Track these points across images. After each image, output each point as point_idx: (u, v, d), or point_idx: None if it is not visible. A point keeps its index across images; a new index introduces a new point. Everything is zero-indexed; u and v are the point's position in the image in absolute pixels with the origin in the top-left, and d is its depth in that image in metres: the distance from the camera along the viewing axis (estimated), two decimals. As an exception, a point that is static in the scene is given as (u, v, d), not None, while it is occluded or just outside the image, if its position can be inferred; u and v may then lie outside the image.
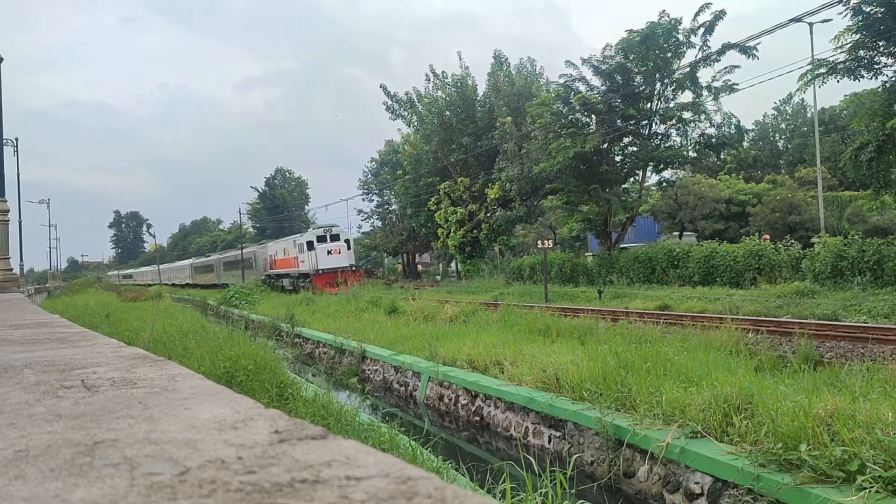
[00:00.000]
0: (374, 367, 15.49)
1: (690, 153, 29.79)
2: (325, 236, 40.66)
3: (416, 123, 42.09)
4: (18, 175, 39.17)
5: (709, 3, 25.49)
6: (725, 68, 26.10)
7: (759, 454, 5.87)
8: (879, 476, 4.93)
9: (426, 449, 7.50)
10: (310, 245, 40.00)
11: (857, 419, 5.61)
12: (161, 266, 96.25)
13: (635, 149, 29.22)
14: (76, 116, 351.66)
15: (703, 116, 27.71)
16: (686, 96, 27.80)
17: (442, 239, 41.05)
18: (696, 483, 6.44)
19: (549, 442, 8.89)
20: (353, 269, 39.30)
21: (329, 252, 39.08)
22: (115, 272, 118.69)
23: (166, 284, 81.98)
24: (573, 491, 5.46)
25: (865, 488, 4.88)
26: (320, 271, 38.23)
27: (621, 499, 7.19)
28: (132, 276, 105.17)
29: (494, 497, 5.16)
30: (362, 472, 1.12)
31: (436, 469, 6.45)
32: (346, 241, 41.16)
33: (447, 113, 39.76)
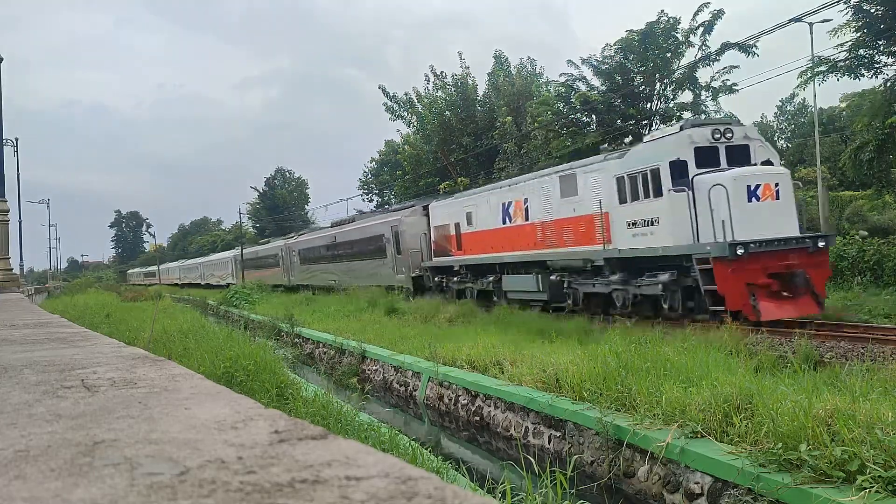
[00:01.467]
0: (374, 367, 15.49)
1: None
2: (716, 149, 14.33)
3: (415, 124, 42.03)
4: (18, 175, 39.19)
5: (707, 3, 25.51)
6: (725, 68, 26.13)
7: (759, 454, 5.87)
8: (879, 476, 4.93)
9: (426, 449, 7.50)
10: (680, 171, 14.14)
11: (857, 419, 5.61)
12: (190, 262, 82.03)
13: (635, 149, 29.21)
14: (75, 117, 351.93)
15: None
16: (686, 96, 27.86)
17: (442, 239, 41.00)
18: (696, 483, 6.44)
19: (549, 442, 8.89)
20: (819, 243, 13.54)
21: (754, 193, 13.44)
22: (137, 270, 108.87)
23: (196, 285, 68.66)
24: (573, 491, 5.46)
25: (865, 488, 4.88)
26: (744, 249, 12.68)
27: (621, 499, 7.19)
28: (155, 274, 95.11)
29: (494, 497, 5.15)
30: (362, 472, 1.13)
31: (436, 469, 6.44)
32: (770, 162, 14.97)
33: (447, 113, 39.73)
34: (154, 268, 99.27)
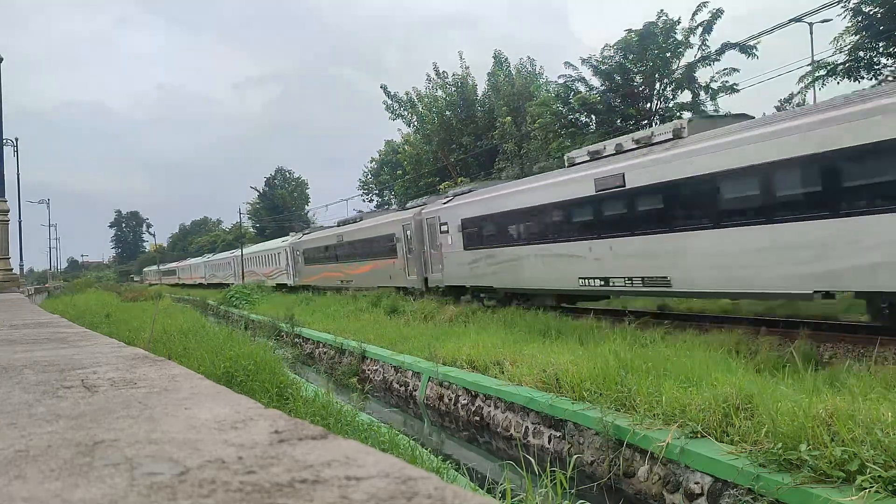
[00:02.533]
0: (374, 367, 15.49)
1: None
2: None
3: (416, 123, 42.09)
4: (18, 175, 39.12)
5: (705, 3, 25.50)
6: (725, 69, 26.13)
7: (759, 454, 5.87)
8: (879, 476, 4.93)
9: (426, 449, 7.50)
10: None
11: (857, 419, 5.61)
12: (220, 256, 63.49)
13: (635, 149, 29.20)
14: (74, 117, 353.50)
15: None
16: (686, 96, 27.86)
17: (442, 239, 40.88)
18: (696, 483, 6.45)
19: (549, 442, 8.89)
20: None
21: None
22: (154, 268, 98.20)
23: (228, 287, 47.12)
24: (573, 491, 5.46)
25: (865, 488, 4.88)
26: None
27: (621, 499, 7.19)
28: (175, 273, 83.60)
29: (494, 497, 5.15)
30: (362, 472, 1.12)
31: (436, 469, 6.44)
32: None
33: (447, 113, 39.78)
34: (174, 265, 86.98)
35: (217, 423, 1.57)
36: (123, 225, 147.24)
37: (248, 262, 50.90)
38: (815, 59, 22.64)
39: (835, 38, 19.88)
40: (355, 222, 30.77)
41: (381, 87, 41.56)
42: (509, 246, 18.61)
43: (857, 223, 9.89)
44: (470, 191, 21.68)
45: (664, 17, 26.52)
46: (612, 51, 27.91)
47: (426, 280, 23.03)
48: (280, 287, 40.31)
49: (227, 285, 49.33)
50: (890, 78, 10.59)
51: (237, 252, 55.65)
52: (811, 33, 27.95)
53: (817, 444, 5.49)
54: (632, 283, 14.25)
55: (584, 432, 8.19)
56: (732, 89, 26.05)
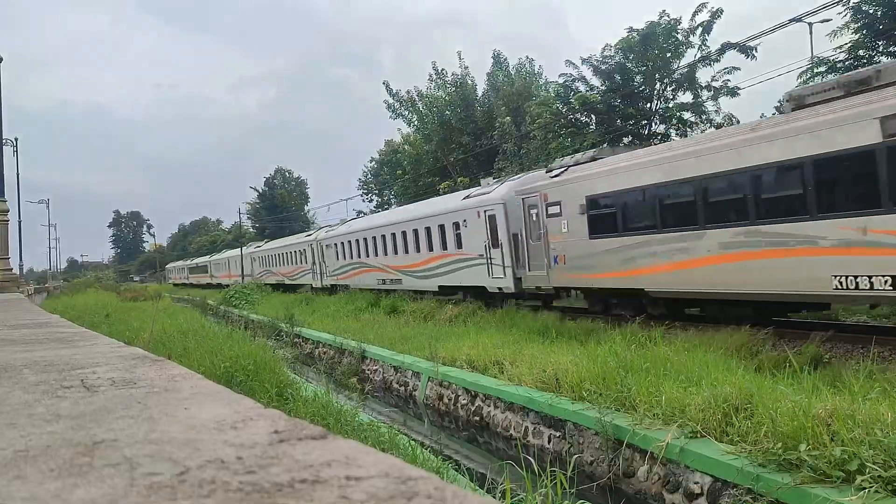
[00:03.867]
0: (374, 367, 15.49)
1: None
2: None
3: (416, 123, 42.10)
4: (18, 175, 39.08)
5: (705, 3, 25.50)
6: (725, 69, 26.13)
7: (758, 454, 5.87)
8: (879, 476, 4.93)
9: (426, 449, 7.49)
10: None
11: (857, 419, 5.61)
12: (276, 245, 44.42)
13: (635, 149, 29.20)
14: (72, 117, 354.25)
15: (703, 117, 27.74)
16: (686, 96, 27.85)
17: (442, 239, 40.76)
18: (695, 483, 6.45)
19: (549, 442, 8.89)
20: None
21: None
22: (179, 264, 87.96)
23: (290, 289, 36.87)
24: (573, 491, 5.46)
25: (865, 488, 4.88)
26: None
27: (621, 499, 7.19)
28: (206, 269, 67.83)
29: (494, 497, 5.15)
30: (362, 472, 1.12)
31: (436, 469, 6.44)
32: None
33: (447, 112, 39.78)
34: (205, 259, 70.56)
35: (217, 423, 1.57)
36: (123, 225, 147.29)
37: (349, 249, 29.32)
38: (815, 58, 22.63)
39: (832, 32, 19.90)
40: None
41: (384, 84, 41.52)
42: None
43: None
44: None
45: (666, 18, 26.52)
46: (612, 50, 27.91)
47: None
48: (458, 293, 20.59)
49: (299, 287, 34.37)
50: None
51: (314, 234, 35.22)
52: (811, 33, 27.91)
53: (817, 444, 5.49)
54: None
55: (583, 432, 8.19)
56: (734, 92, 26.07)
